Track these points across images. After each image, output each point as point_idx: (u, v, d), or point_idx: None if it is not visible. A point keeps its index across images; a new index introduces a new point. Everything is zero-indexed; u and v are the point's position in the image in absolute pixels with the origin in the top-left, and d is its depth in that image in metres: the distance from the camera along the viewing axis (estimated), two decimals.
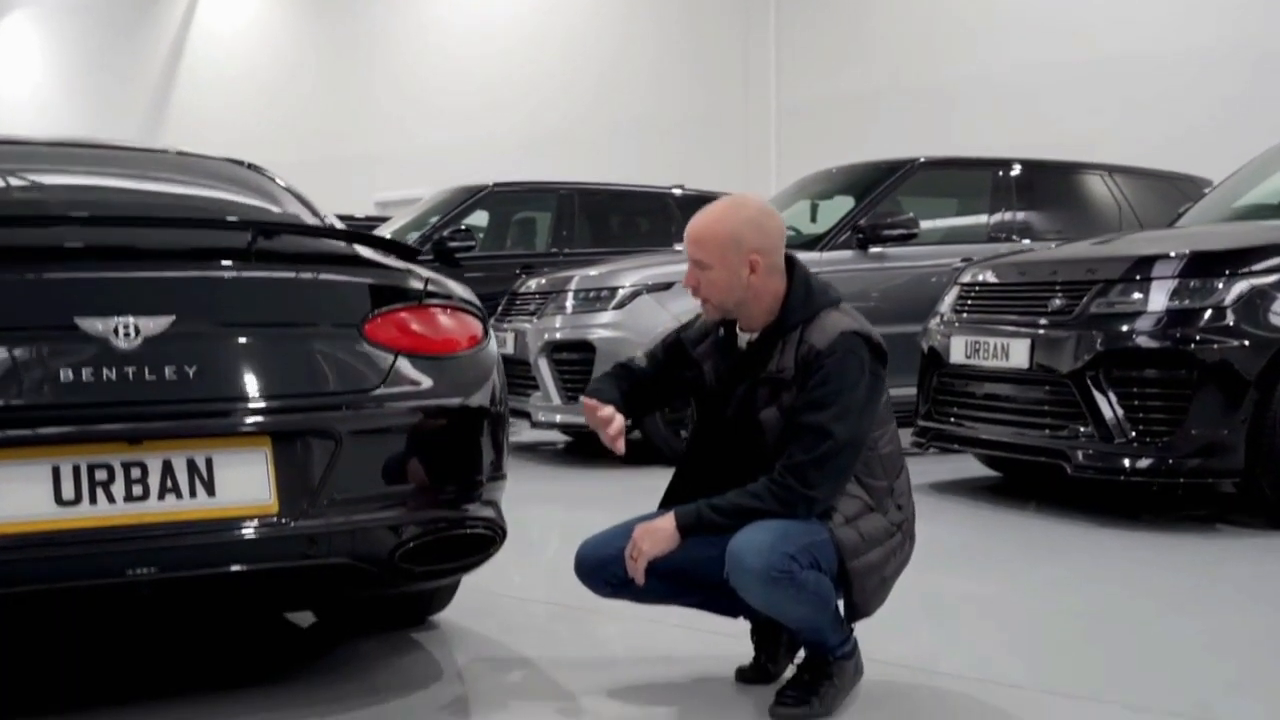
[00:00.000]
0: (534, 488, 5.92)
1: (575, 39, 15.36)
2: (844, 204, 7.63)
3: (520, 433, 7.71)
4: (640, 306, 6.85)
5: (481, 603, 3.89)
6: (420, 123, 16.15)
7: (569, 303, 7.09)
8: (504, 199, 9.47)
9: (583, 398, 2.98)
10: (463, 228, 8.87)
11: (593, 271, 7.25)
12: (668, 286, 6.81)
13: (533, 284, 7.50)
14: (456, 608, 3.72)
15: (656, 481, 3.13)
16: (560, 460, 7.42)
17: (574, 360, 6.89)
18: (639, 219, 9.70)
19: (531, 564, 4.55)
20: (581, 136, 14.45)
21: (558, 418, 6.94)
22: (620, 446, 2.93)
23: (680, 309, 6.25)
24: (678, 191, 9.69)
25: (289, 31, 19.74)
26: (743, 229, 2.89)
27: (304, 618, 3.77)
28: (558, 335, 6.98)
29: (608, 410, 2.93)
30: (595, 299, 7.00)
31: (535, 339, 7.02)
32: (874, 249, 7.19)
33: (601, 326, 6.87)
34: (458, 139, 15.03)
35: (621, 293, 6.92)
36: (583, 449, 7.57)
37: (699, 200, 9.18)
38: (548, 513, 5.58)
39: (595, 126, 14.56)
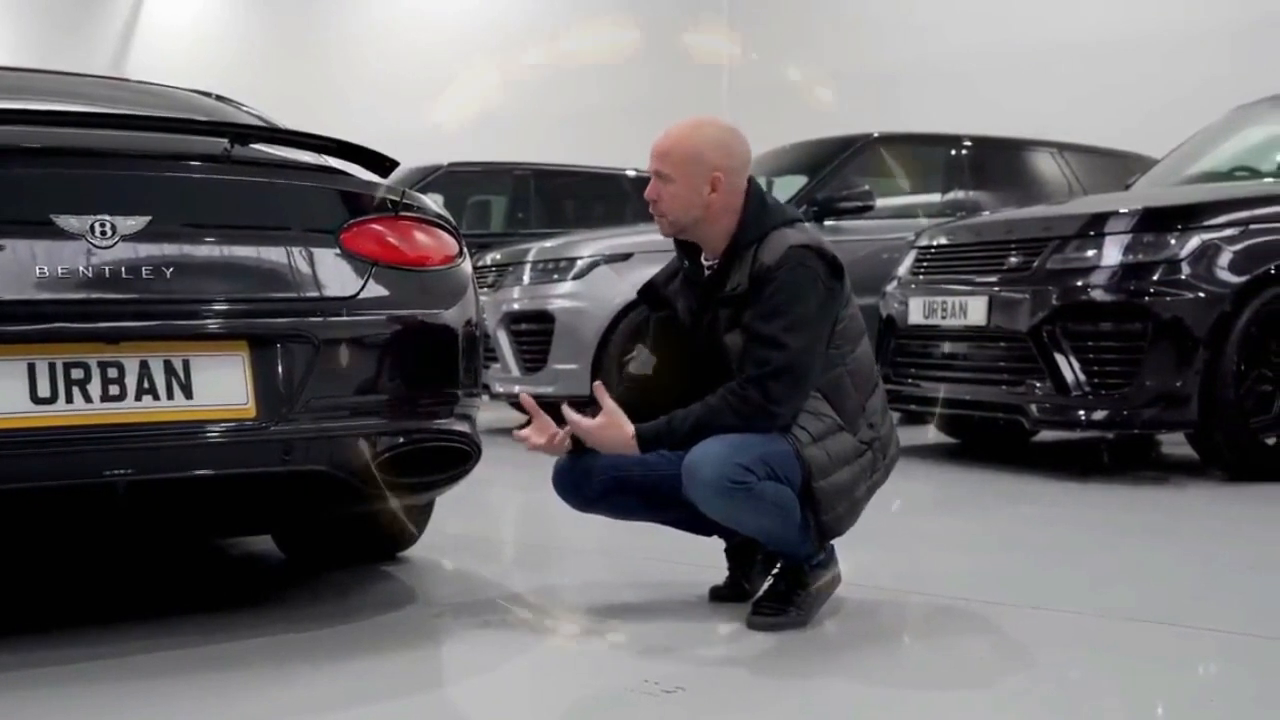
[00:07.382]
0: (494, 453, 5.89)
1: (527, 24, 15.35)
2: (798, 181, 7.67)
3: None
4: (598, 277, 6.84)
5: (450, 543, 3.88)
6: (372, 110, 16.01)
7: (527, 274, 7.07)
8: (459, 180, 9.43)
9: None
10: None
11: (550, 243, 7.24)
12: (626, 257, 6.81)
13: (489, 257, 7.48)
14: (425, 547, 3.71)
15: None
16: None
17: (533, 331, 6.87)
18: (594, 200, 9.71)
19: (497, 512, 4.55)
20: (534, 123, 14.41)
21: (516, 388, 6.91)
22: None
23: (638, 279, 6.22)
24: (632, 173, 9.70)
25: (238, 23, 19.58)
26: (707, 145, 2.92)
27: (276, 555, 3.74)
28: (516, 306, 6.96)
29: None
30: (553, 270, 6.99)
31: (493, 310, 7.00)
32: (829, 222, 7.23)
33: (560, 297, 6.85)
34: (408, 127, 14.89)
35: (580, 263, 6.92)
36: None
37: None
38: (506, 473, 5.55)
39: (547, 113, 14.53)
